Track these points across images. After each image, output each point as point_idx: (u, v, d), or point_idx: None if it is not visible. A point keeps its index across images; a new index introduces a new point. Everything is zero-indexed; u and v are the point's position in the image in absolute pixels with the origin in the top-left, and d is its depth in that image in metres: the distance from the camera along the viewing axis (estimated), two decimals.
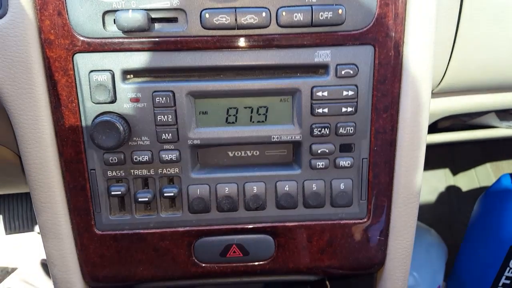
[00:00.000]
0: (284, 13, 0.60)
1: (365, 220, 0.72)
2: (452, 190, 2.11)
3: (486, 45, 0.76)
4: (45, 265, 1.73)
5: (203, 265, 0.73)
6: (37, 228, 1.80)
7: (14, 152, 0.91)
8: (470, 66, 0.78)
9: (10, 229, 1.78)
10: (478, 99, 0.92)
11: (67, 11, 0.59)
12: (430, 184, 2.12)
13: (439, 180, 2.14)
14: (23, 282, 1.66)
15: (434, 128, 1.50)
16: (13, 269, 1.77)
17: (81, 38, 0.60)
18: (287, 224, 0.72)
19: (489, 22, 0.74)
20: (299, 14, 0.60)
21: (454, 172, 2.13)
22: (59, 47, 0.61)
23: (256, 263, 0.74)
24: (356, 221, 0.72)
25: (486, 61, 0.78)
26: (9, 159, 0.92)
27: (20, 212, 1.78)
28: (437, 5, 0.64)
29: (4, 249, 1.82)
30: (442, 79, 0.80)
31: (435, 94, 0.87)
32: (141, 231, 0.71)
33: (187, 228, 0.71)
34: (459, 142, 1.63)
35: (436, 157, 2.09)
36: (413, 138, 0.68)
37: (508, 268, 1.41)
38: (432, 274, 1.58)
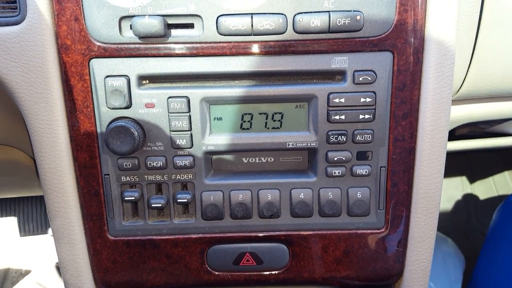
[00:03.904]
0: (301, 19, 0.59)
1: (383, 230, 0.71)
2: (469, 199, 2.08)
3: (505, 52, 0.75)
4: (59, 268, 1.75)
5: (216, 273, 0.73)
6: (50, 230, 1.83)
7: (29, 155, 0.92)
8: (489, 73, 0.77)
9: (25, 231, 1.82)
10: (498, 106, 0.91)
11: (84, 16, 0.60)
12: (447, 192, 2.10)
13: (456, 188, 2.12)
14: (37, 285, 1.68)
15: (451, 135, 1.48)
16: (27, 271, 1.80)
17: (98, 44, 0.61)
18: (302, 232, 0.71)
19: (509, 29, 0.73)
20: (316, 20, 0.59)
21: (472, 180, 2.11)
22: (75, 52, 0.61)
23: (270, 272, 0.73)
24: (373, 231, 0.71)
25: (505, 68, 0.77)
26: (25, 163, 0.94)
27: (34, 215, 1.81)
28: (457, 11, 0.63)
29: (19, 251, 1.85)
30: (461, 86, 0.79)
31: (454, 101, 0.85)
32: (154, 237, 0.71)
33: (200, 235, 0.71)
34: (477, 149, 1.61)
35: (453, 164, 2.06)
36: (433, 146, 0.67)
37: None
38: (449, 284, 1.56)
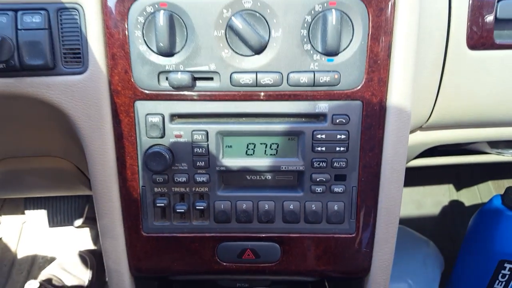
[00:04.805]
0: (293, 76, 0.75)
1: (354, 235, 0.84)
2: (455, 204, 2.16)
3: (464, 94, 0.88)
4: (81, 256, 1.91)
5: (224, 264, 0.86)
6: (75, 223, 2.01)
7: (75, 165, 1.11)
8: (452, 109, 0.90)
9: (53, 222, 1.98)
10: (464, 132, 1.03)
11: (131, 70, 0.76)
12: (435, 198, 2.18)
13: (444, 195, 2.20)
14: (62, 270, 1.79)
15: (435, 150, 1.60)
16: (52, 258, 1.92)
17: (141, 90, 0.75)
18: (291, 235, 0.84)
19: (469, 74, 0.86)
20: (304, 78, 0.75)
21: (458, 188, 2.19)
22: (124, 96, 0.76)
23: (265, 265, 0.86)
24: (346, 236, 0.84)
25: (465, 105, 0.90)
26: (70, 170, 1.12)
27: (62, 209, 1.98)
28: (414, 73, 0.77)
29: (46, 240, 2.02)
30: (429, 117, 0.92)
31: (424, 128, 0.98)
32: (177, 234, 0.84)
33: (212, 234, 0.84)
34: (463, 164, 1.70)
35: (442, 173, 2.15)
36: (393, 172, 0.82)
37: (497, 281, 1.50)
38: (427, 283, 1.66)
